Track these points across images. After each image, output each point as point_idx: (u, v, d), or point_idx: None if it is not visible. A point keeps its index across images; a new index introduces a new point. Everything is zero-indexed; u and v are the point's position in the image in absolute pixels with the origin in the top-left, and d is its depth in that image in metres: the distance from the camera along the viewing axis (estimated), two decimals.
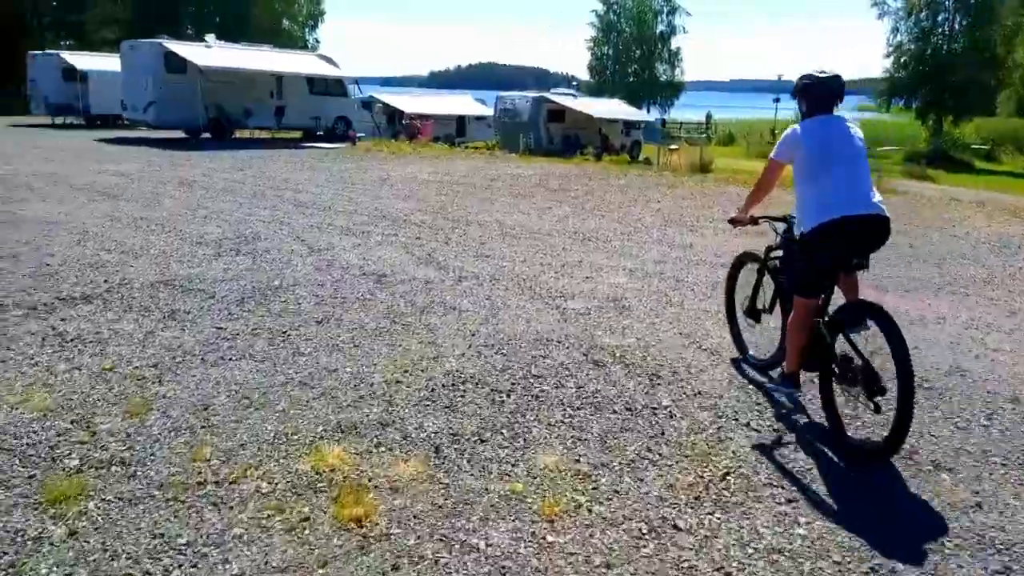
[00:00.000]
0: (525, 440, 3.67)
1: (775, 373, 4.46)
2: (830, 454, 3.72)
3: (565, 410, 4.03)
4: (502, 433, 3.73)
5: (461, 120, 36.76)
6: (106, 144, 19.61)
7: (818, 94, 3.94)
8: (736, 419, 4.04)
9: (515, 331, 5.35)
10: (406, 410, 3.96)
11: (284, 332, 5.13)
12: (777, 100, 44.95)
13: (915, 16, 43.40)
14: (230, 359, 4.59)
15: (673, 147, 28.98)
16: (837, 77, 3.94)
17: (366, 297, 6.07)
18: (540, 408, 4.04)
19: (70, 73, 26.33)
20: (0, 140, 19.36)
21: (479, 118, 37.66)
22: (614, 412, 4.05)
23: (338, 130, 25.29)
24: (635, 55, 60.24)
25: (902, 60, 44.38)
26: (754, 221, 4.48)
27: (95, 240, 7.81)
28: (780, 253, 4.41)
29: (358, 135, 25.29)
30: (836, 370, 3.78)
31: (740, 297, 4.92)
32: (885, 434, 3.53)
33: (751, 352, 4.88)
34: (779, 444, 3.79)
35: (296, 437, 3.60)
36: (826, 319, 3.91)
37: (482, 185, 14.08)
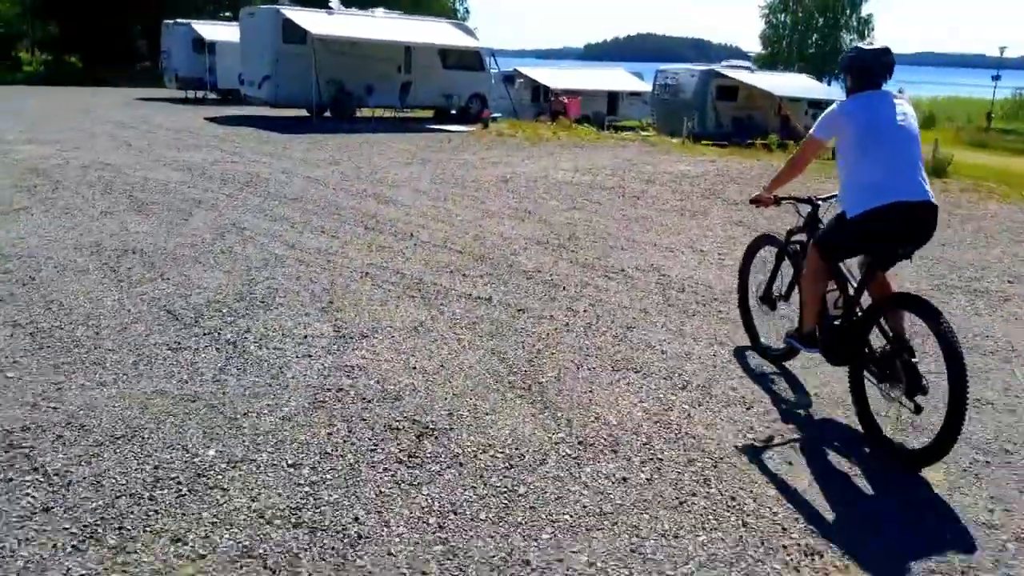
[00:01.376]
0: None
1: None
2: None
3: None
4: None
5: (613, 96, 33.05)
6: (211, 124, 17.54)
7: (865, 67, 3.63)
8: None
9: None
10: None
11: None
12: (997, 77, 37.42)
13: None
14: None
15: None
16: (887, 50, 3.66)
17: (360, 536, 2.73)
18: None
19: (200, 44, 24.93)
20: (102, 116, 17.77)
21: (633, 94, 33.80)
22: None
23: (472, 109, 22.26)
24: (817, 23, 53.41)
25: None
26: (777, 202, 4.15)
27: (23, 298, 5.00)
28: (802, 236, 4.14)
29: (494, 115, 22.16)
30: (872, 366, 3.54)
31: (754, 282, 4.60)
32: (933, 435, 3.24)
33: (763, 340, 4.59)
34: None
35: None
36: (859, 312, 3.67)
37: (633, 192, 10.44)
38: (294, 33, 18.66)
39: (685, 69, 25.09)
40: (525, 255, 6.74)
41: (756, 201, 4.16)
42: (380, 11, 21.97)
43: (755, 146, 18.28)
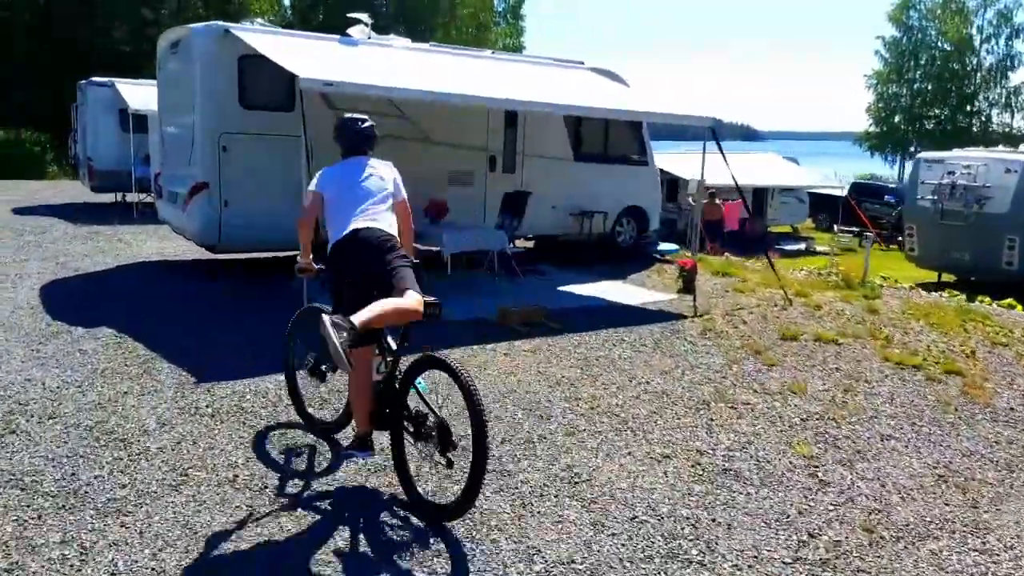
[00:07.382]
0: None
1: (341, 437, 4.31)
2: None
3: None
4: None
5: (759, 195, 22.17)
6: (56, 325, 6.63)
7: (352, 135, 4.10)
8: None
9: None
10: None
11: None
12: None
13: None
14: None
15: None
16: (364, 120, 4.13)
17: None
18: None
19: (126, 117, 14.43)
20: None
21: (786, 190, 23.09)
22: None
23: (623, 238, 11.35)
24: (949, 95, 43.17)
25: None
26: (318, 274, 4.27)
27: None
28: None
29: (661, 248, 11.31)
30: (410, 428, 3.72)
31: (300, 356, 4.56)
32: (460, 490, 3.45)
33: (312, 412, 4.63)
34: None
35: None
36: (398, 375, 3.81)
37: None
38: (263, 84, 8.03)
39: (987, 159, 14.04)
40: None
41: (302, 271, 4.21)
42: (381, 35, 10.24)
43: None
